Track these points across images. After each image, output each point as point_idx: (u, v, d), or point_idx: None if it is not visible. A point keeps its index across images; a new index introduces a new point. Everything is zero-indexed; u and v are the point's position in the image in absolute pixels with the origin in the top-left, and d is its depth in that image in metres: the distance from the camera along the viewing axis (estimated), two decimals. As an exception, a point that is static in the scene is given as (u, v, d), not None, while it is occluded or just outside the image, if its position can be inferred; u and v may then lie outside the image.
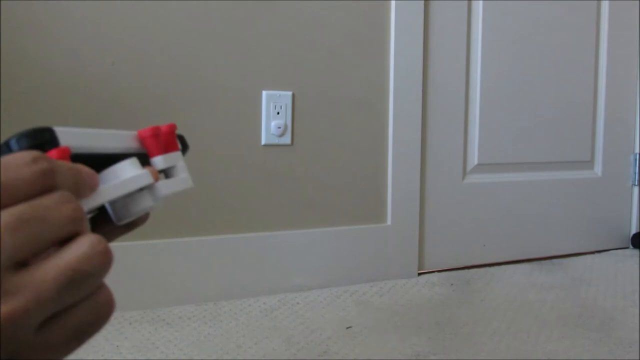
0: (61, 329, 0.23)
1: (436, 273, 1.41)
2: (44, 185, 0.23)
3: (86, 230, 0.25)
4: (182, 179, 0.36)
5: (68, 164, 0.26)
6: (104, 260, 0.24)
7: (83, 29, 1.07)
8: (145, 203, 0.31)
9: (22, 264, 0.22)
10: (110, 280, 0.26)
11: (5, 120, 1.02)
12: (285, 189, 1.25)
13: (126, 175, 0.30)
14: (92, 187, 0.27)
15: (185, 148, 0.38)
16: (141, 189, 0.31)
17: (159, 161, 0.34)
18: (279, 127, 1.23)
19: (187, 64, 1.15)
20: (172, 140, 0.35)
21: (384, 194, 1.36)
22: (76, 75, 1.07)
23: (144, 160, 0.34)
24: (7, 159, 0.23)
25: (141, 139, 0.33)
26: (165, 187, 0.33)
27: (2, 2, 1.01)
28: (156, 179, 0.33)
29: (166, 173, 0.36)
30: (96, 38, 1.08)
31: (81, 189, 0.26)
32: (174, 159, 0.35)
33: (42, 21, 1.04)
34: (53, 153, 0.27)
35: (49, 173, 0.23)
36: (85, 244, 0.24)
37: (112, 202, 0.31)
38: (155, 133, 0.34)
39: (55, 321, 0.23)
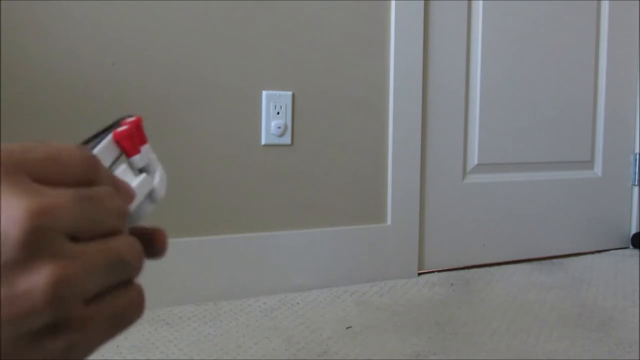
0: (105, 309, 0.24)
1: (436, 273, 1.41)
2: (91, 173, 0.25)
3: (126, 230, 0.26)
4: (161, 173, 0.35)
5: (107, 170, 0.27)
6: (140, 258, 0.26)
7: (83, 29, 1.07)
8: (146, 208, 0.31)
9: (76, 239, 0.23)
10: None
11: (5, 120, 1.02)
12: (285, 189, 1.25)
13: (135, 181, 0.29)
14: (130, 199, 0.28)
15: None
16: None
17: (137, 160, 0.33)
18: (279, 127, 1.23)
19: (187, 64, 1.15)
20: (142, 134, 0.34)
21: (384, 194, 1.36)
22: (76, 75, 1.07)
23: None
24: (59, 145, 0.24)
25: (117, 141, 0.32)
26: (160, 188, 0.33)
27: (2, 2, 1.01)
28: None
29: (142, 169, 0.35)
30: (96, 38, 1.08)
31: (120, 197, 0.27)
32: (148, 153, 0.34)
33: (42, 21, 1.04)
34: (129, 122, 0.30)
35: (95, 162, 0.25)
36: (127, 239, 0.25)
37: None
38: (131, 134, 0.32)
39: (102, 299, 0.24)
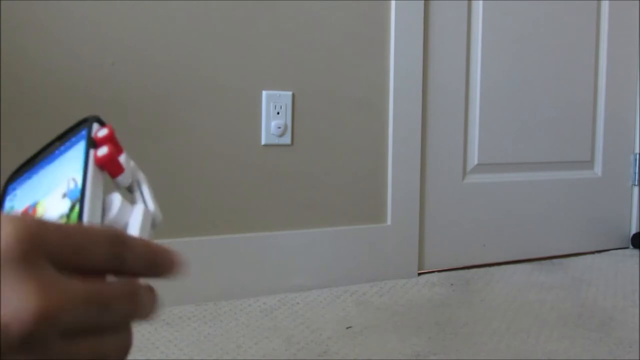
0: (84, 348, 0.24)
1: (436, 273, 1.41)
2: (113, 265, 0.25)
3: (129, 327, 0.26)
4: (149, 189, 0.32)
5: (146, 243, 0.27)
6: (125, 353, 0.26)
7: (83, 29, 1.07)
8: (149, 234, 0.30)
9: (67, 336, 0.23)
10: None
11: (5, 120, 1.02)
12: (285, 189, 1.25)
13: (137, 218, 0.29)
14: (172, 269, 0.28)
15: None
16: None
17: (123, 180, 0.31)
18: (279, 127, 1.23)
19: (187, 64, 1.15)
20: (118, 145, 0.31)
21: (384, 194, 1.36)
22: (76, 75, 1.07)
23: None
24: (93, 228, 0.25)
25: (101, 166, 0.30)
26: (157, 212, 0.31)
27: (2, 2, 1.01)
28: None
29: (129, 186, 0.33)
30: (96, 38, 1.08)
31: (158, 270, 0.27)
32: (129, 164, 0.32)
33: (42, 21, 1.04)
34: (102, 137, 0.29)
35: (121, 257, 0.25)
36: (119, 341, 0.25)
37: None
38: (112, 156, 0.30)
39: (82, 338, 0.24)
